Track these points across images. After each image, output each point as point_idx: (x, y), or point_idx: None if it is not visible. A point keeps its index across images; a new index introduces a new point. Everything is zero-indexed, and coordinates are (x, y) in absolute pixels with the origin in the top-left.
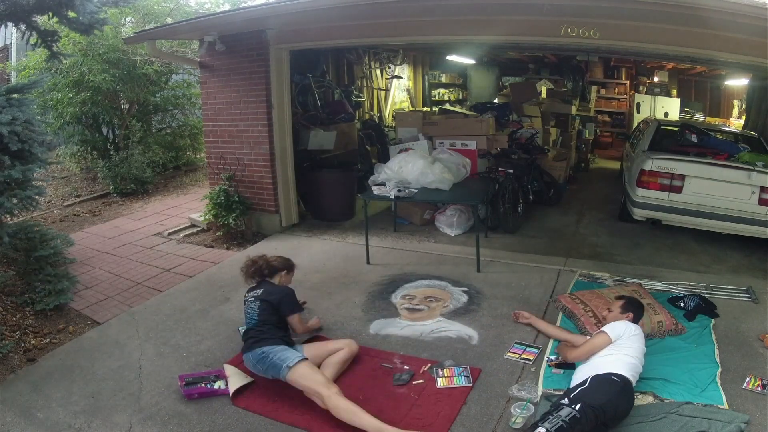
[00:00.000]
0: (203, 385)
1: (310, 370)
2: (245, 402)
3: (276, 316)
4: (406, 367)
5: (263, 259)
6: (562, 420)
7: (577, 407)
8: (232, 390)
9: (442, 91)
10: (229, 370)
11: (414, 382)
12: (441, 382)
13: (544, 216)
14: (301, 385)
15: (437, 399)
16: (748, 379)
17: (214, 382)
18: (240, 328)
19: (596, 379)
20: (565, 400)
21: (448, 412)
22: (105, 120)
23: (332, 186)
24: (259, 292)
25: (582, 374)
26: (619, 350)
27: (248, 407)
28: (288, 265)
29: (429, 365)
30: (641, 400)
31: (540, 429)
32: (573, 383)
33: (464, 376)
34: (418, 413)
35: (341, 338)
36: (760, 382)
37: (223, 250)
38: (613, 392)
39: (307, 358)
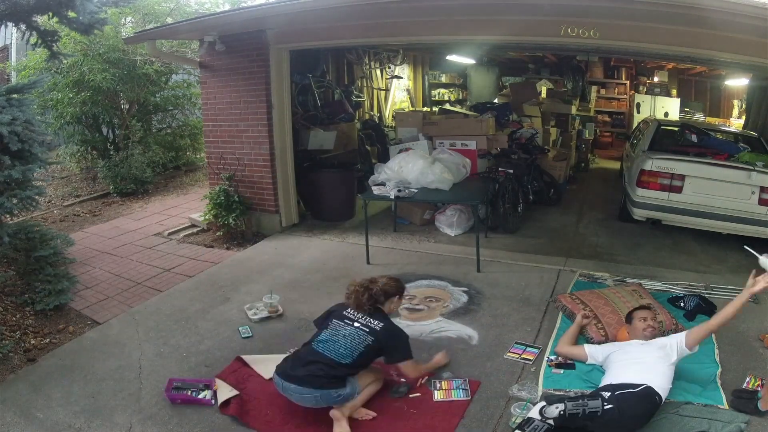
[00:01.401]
0: (189, 392)
1: (363, 379)
2: (234, 410)
3: (373, 358)
4: (402, 379)
5: (376, 284)
6: (585, 407)
7: (607, 407)
8: (220, 401)
9: (442, 91)
10: (219, 382)
11: (411, 395)
12: (438, 395)
13: (544, 216)
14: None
15: (435, 413)
16: (747, 379)
17: (201, 391)
18: (241, 328)
19: (648, 391)
20: (606, 394)
21: (445, 427)
22: (105, 120)
23: (332, 186)
24: (374, 321)
25: (639, 375)
26: (672, 370)
27: (239, 416)
28: (400, 289)
29: (426, 377)
30: None
31: (559, 406)
32: (624, 376)
33: (462, 389)
34: (414, 427)
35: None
36: (760, 382)
37: (223, 250)
38: (645, 415)
39: (362, 389)
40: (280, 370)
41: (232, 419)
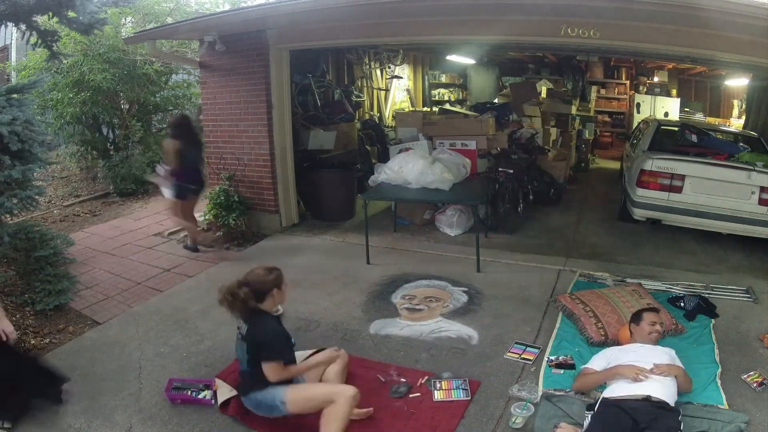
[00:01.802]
0: (189, 392)
1: (306, 385)
2: (234, 411)
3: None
4: (402, 379)
5: (242, 288)
6: None
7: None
8: (220, 401)
9: (442, 91)
10: (219, 382)
11: (411, 395)
12: (438, 395)
13: (544, 216)
14: (310, 404)
15: (434, 413)
16: (751, 373)
17: (201, 391)
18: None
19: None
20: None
21: (445, 427)
22: (105, 120)
23: (332, 186)
24: (244, 327)
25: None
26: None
27: (238, 416)
28: (276, 281)
29: (426, 377)
30: None
31: None
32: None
33: (463, 389)
34: (414, 427)
35: (327, 348)
36: (759, 380)
37: (223, 250)
38: None
39: (289, 385)
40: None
41: (232, 419)
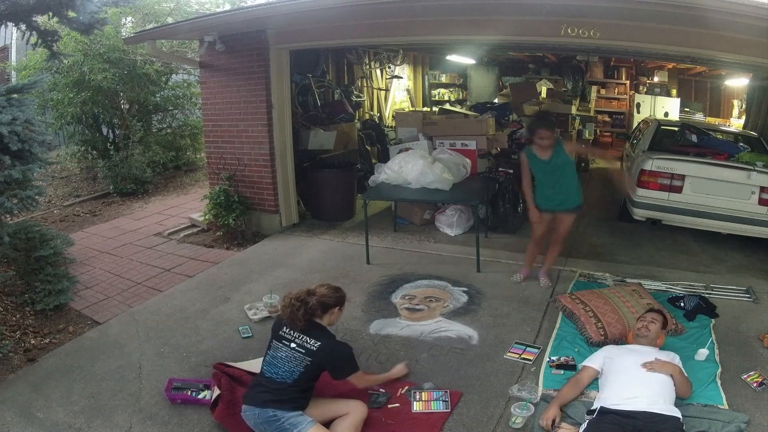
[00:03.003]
0: (189, 392)
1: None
2: (218, 415)
3: (318, 374)
4: (382, 390)
5: (312, 297)
6: None
7: None
8: (212, 402)
9: (442, 91)
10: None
11: (390, 406)
12: (417, 407)
13: None
14: None
15: (413, 425)
16: (751, 373)
17: (201, 391)
18: (241, 328)
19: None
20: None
21: None
22: (105, 120)
23: (332, 186)
24: (310, 341)
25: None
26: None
27: (221, 421)
28: (340, 300)
29: (406, 388)
30: None
31: None
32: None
33: (443, 401)
34: None
35: (351, 399)
36: (759, 380)
37: (223, 250)
38: None
39: (316, 423)
40: (243, 395)
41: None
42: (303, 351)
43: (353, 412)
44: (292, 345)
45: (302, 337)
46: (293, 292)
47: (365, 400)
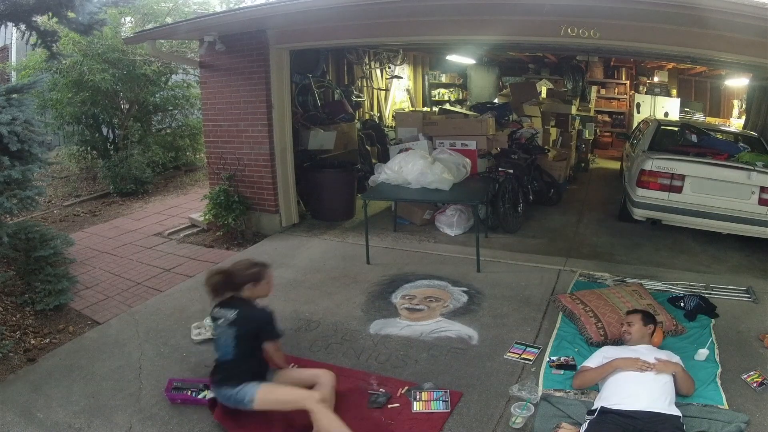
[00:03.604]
0: (189, 393)
1: (278, 387)
2: (217, 416)
3: (253, 343)
4: (382, 389)
5: (227, 271)
6: None
7: None
8: (209, 397)
9: (442, 91)
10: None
11: (390, 406)
12: (417, 407)
13: (544, 216)
14: (278, 406)
15: (412, 425)
16: (751, 373)
17: (201, 391)
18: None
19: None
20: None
21: None
22: (105, 120)
23: (332, 186)
24: (231, 314)
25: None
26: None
27: (221, 421)
28: (257, 275)
29: (407, 387)
30: None
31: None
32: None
33: (443, 401)
34: None
35: (318, 365)
36: (759, 380)
37: (223, 250)
38: None
39: (263, 383)
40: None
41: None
42: (227, 324)
43: (323, 381)
44: (219, 322)
45: (222, 311)
46: (212, 269)
47: (363, 400)
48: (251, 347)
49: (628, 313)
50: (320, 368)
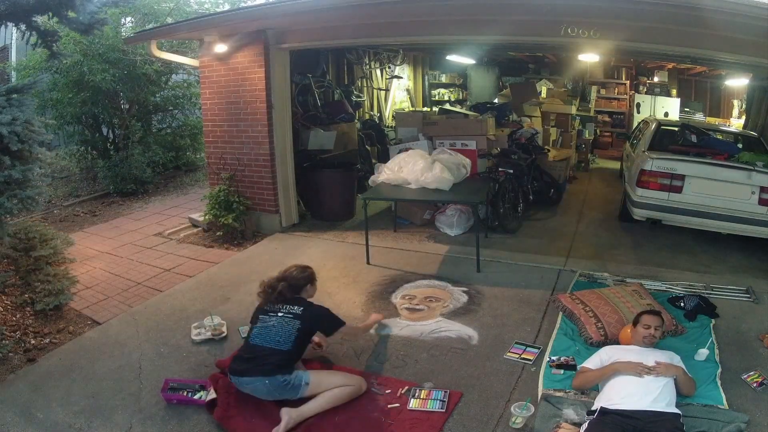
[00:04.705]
0: (185, 393)
1: (322, 372)
2: (217, 415)
3: (308, 337)
4: (387, 390)
5: (281, 283)
6: None
7: None
8: (207, 399)
9: (442, 91)
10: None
11: (389, 406)
12: (413, 404)
13: (544, 216)
14: (327, 387)
15: (411, 423)
16: (751, 373)
17: (197, 392)
18: (241, 328)
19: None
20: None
21: None
22: (105, 120)
23: (332, 186)
24: (297, 309)
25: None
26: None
27: (221, 421)
28: (309, 278)
29: (407, 387)
30: None
31: None
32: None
33: (440, 401)
34: None
35: (353, 372)
36: (759, 380)
37: (223, 250)
38: None
39: (309, 370)
40: (230, 369)
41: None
42: (291, 316)
43: (356, 385)
44: (280, 314)
45: (286, 307)
46: (265, 280)
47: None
48: (307, 342)
49: (652, 313)
50: (355, 377)
